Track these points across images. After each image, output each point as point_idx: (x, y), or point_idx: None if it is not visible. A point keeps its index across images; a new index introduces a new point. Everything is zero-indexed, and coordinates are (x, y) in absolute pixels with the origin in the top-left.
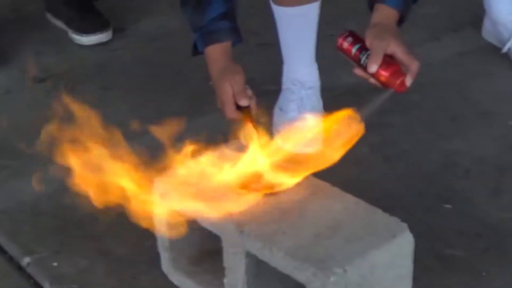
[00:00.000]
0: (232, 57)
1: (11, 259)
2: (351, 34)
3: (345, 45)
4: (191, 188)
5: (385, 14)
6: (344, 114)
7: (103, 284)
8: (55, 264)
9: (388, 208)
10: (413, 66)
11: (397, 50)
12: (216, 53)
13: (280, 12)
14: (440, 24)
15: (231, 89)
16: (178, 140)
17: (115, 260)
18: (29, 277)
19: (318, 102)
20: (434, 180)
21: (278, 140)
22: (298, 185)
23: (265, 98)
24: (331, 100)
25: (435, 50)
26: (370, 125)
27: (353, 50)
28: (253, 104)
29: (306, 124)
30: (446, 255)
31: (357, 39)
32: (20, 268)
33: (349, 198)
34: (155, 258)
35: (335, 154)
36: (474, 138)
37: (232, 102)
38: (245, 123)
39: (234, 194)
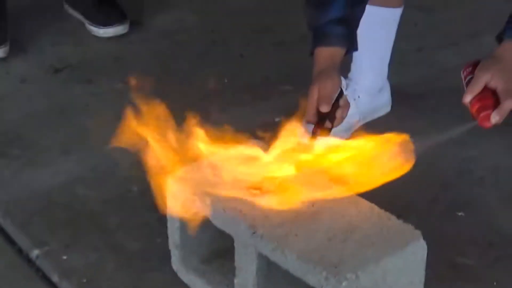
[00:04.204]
0: (337, 64)
1: (20, 251)
2: (476, 64)
3: (464, 73)
4: (206, 185)
5: (505, 50)
6: (397, 138)
7: (112, 279)
8: (64, 257)
9: (400, 213)
10: (505, 103)
11: (498, 84)
12: (322, 55)
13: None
14: (458, 30)
15: (318, 93)
16: (193, 136)
17: (125, 255)
18: (37, 269)
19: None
20: (448, 186)
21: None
22: (312, 188)
23: (280, 98)
24: None
25: (452, 56)
26: (387, 129)
27: (465, 80)
28: (339, 114)
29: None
30: (458, 263)
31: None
32: (29, 260)
33: (363, 203)
34: (166, 255)
35: (375, 180)
36: (489, 145)
37: (314, 106)
38: (314, 129)
39: (248, 194)
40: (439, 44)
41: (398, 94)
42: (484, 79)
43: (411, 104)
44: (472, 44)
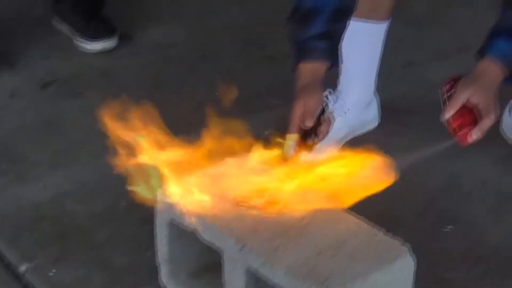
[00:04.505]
0: (321, 79)
1: (8, 266)
2: (456, 80)
3: (444, 89)
4: (194, 199)
5: (486, 66)
6: (375, 157)
7: None
8: (52, 272)
9: (388, 228)
10: (484, 121)
11: (479, 101)
12: (305, 70)
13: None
14: (447, 44)
15: (301, 108)
16: (182, 151)
17: (113, 269)
18: (26, 284)
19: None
20: (435, 201)
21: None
22: (301, 202)
23: (269, 112)
24: None
25: (441, 70)
26: (373, 143)
27: (445, 96)
28: (323, 129)
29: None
30: (446, 278)
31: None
32: (17, 275)
33: (352, 218)
34: (154, 269)
35: (354, 196)
36: (476, 160)
37: (297, 121)
38: (297, 143)
39: (237, 208)
40: (427, 58)
41: (386, 108)
42: (465, 95)
43: (399, 119)
44: (460, 58)
